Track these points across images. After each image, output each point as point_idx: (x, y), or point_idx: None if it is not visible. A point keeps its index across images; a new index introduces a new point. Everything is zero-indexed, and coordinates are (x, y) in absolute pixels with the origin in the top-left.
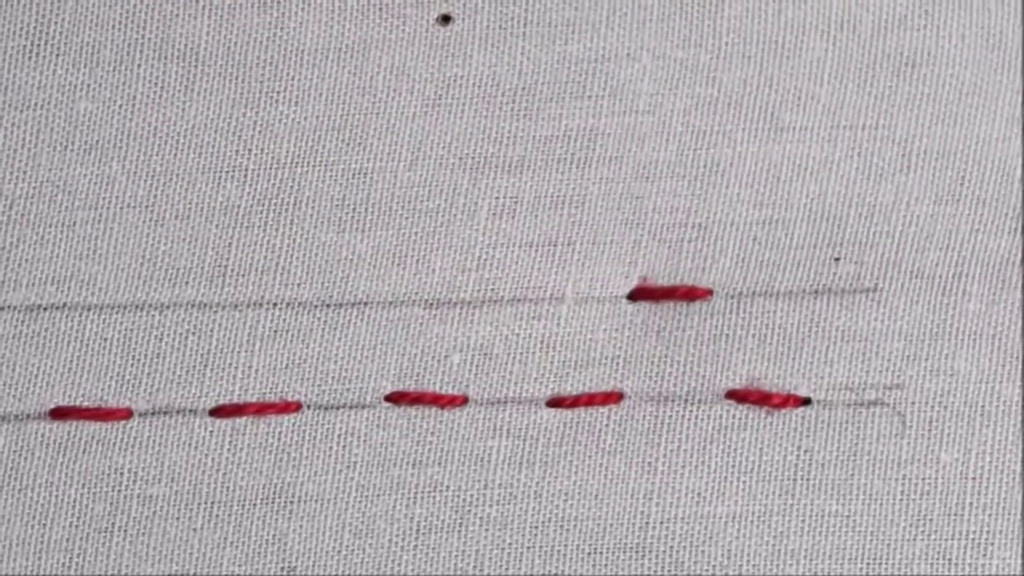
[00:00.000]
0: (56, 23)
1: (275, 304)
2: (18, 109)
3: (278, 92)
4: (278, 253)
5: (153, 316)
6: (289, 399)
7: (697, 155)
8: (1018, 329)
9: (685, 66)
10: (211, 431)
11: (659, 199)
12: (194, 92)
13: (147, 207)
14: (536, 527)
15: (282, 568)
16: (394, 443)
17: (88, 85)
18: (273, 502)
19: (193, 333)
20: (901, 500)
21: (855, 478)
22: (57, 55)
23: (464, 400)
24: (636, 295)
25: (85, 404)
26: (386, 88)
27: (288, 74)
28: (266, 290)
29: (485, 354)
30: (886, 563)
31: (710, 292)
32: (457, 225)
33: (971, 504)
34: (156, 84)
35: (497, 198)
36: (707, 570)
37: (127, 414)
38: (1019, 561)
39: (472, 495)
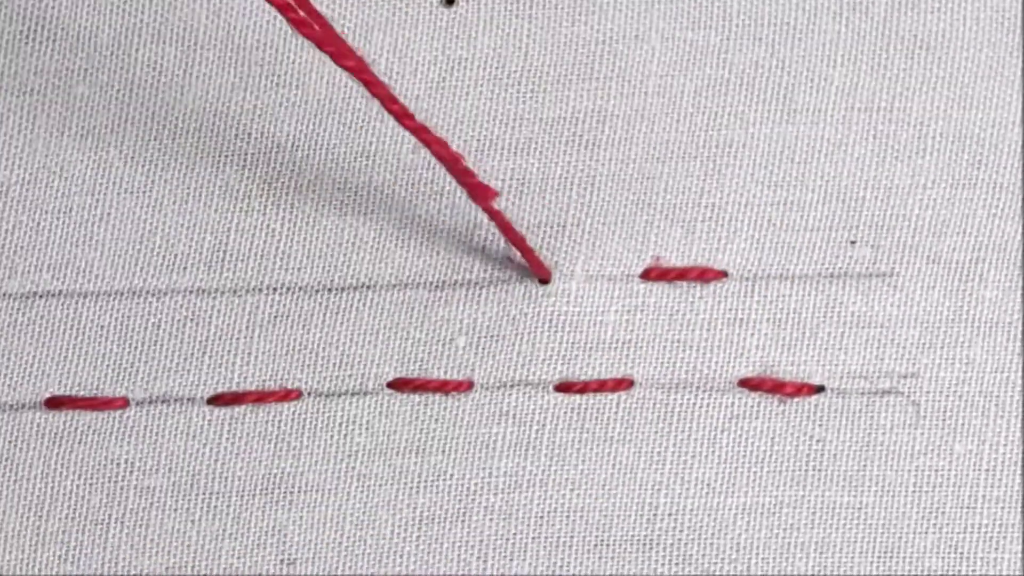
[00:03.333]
0: (53, 7)
1: (275, 289)
2: (14, 94)
3: (278, 75)
4: (278, 237)
5: (150, 303)
6: (289, 386)
7: (709, 136)
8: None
9: (695, 47)
10: (209, 420)
11: (671, 180)
12: (193, 76)
13: (145, 192)
14: (542, 517)
15: (282, 559)
16: (396, 431)
17: (85, 70)
18: (272, 492)
19: (191, 320)
20: (914, 492)
21: (867, 469)
22: (54, 39)
23: (469, 385)
24: (649, 275)
25: (81, 393)
26: (390, 70)
27: (288, 57)
28: (266, 275)
29: (491, 336)
30: (897, 556)
31: (724, 273)
32: (462, 207)
33: (984, 497)
34: (154, 68)
35: (503, 180)
36: (716, 563)
37: (124, 403)
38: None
39: (476, 484)
